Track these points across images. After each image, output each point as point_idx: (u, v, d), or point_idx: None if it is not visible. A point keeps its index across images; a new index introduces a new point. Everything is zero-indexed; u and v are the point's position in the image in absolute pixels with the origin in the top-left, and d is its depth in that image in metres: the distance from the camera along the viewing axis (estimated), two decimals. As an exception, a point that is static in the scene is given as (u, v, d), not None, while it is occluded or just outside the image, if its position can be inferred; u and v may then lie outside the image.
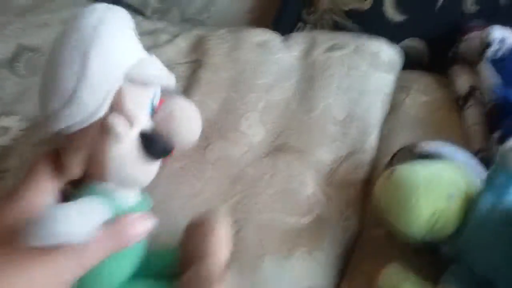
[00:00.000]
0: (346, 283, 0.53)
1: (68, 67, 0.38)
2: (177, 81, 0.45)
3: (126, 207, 0.41)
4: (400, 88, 0.72)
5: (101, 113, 0.39)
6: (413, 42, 0.77)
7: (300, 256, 0.52)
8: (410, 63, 0.75)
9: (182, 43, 0.77)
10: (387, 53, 0.72)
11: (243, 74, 0.69)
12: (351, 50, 0.71)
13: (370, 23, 0.78)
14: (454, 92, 0.70)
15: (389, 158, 0.57)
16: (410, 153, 0.54)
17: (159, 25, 0.84)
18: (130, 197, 0.42)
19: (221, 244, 0.43)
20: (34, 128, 0.65)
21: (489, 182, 0.47)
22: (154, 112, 0.42)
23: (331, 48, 0.72)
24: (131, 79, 0.40)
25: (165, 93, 0.42)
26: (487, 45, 0.66)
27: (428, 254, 0.50)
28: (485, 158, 0.59)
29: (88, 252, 0.37)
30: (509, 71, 0.64)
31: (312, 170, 0.59)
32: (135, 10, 0.95)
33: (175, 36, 0.79)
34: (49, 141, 0.58)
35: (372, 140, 0.64)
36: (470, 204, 0.47)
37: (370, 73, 0.69)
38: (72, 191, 0.41)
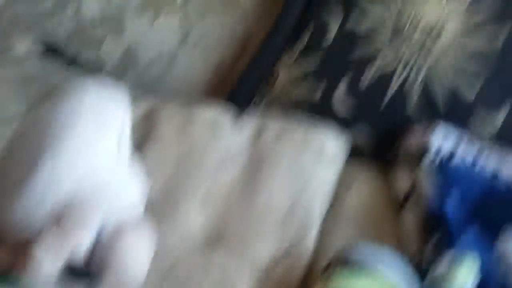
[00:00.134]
0: None
1: (19, 163, 0.36)
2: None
3: None
4: (342, 182, 0.73)
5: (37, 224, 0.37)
6: (359, 134, 0.79)
7: None
8: (355, 154, 0.77)
9: (132, 115, 0.75)
10: (332, 146, 0.73)
11: (190, 153, 0.69)
12: (298, 141, 0.72)
13: (319, 112, 0.79)
14: (394, 190, 0.72)
15: (325, 261, 0.57)
16: (345, 262, 0.54)
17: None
18: None
19: None
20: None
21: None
22: (98, 239, 0.40)
23: (279, 137, 0.73)
24: (78, 202, 0.38)
25: (120, 225, 0.40)
26: (425, 151, 0.69)
27: None
28: (420, 264, 0.60)
29: None
30: (444, 180, 0.66)
31: (247, 270, 0.58)
32: (91, 69, 0.95)
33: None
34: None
35: (311, 236, 0.64)
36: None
37: (315, 165, 0.70)
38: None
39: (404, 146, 0.73)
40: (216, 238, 0.61)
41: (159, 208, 0.61)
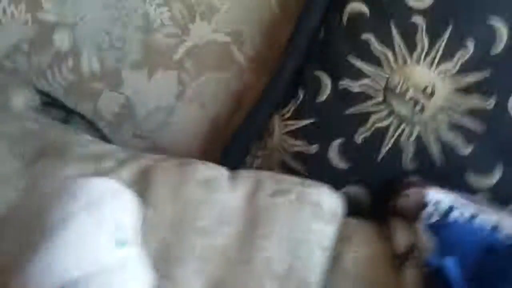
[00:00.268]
0: None
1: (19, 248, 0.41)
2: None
3: None
4: (340, 239, 0.72)
5: None
6: (356, 189, 0.79)
7: None
8: (352, 209, 0.77)
9: (125, 174, 0.75)
10: (329, 202, 0.73)
11: (184, 215, 0.68)
12: (294, 197, 0.72)
13: (315, 167, 0.80)
14: (394, 246, 0.71)
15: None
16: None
17: (107, 148, 0.83)
18: None
19: None
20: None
21: None
22: None
23: (275, 194, 0.72)
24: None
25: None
26: (423, 207, 0.68)
27: None
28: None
29: None
30: (443, 237, 0.65)
31: None
32: (88, 122, 0.95)
33: (120, 164, 0.78)
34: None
35: (311, 294, 0.63)
36: None
37: (312, 221, 0.70)
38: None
39: (401, 202, 0.73)
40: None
41: (156, 273, 0.60)
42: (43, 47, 0.91)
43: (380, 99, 0.77)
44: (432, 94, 0.76)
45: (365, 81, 0.78)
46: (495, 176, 0.75)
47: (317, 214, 0.71)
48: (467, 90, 0.76)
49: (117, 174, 0.75)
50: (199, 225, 0.67)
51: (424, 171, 0.76)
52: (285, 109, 0.82)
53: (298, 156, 0.80)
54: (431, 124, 0.76)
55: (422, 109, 0.76)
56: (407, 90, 0.77)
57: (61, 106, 0.95)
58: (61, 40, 0.91)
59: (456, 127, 0.76)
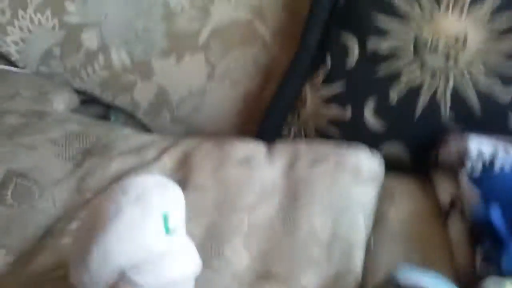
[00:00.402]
0: None
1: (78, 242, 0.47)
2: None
3: None
4: (383, 197, 0.72)
5: None
6: (394, 148, 0.78)
7: None
8: (392, 166, 0.77)
9: (168, 162, 0.77)
10: (368, 164, 0.73)
11: (226, 195, 0.70)
12: (332, 165, 0.72)
13: (351, 131, 0.79)
14: (437, 201, 0.71)
15: (375, 280, 0.57)
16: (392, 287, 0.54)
17: (147, 138, 0.86)
18: None
19: None
20: (22, 263, 0.65)
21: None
22: None
23: (313, 163, 0.73)
24: (127, 279, 0.42)
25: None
26: (465, 158, 0.68)
27: None
28: (471, 280, 0.59)
29: None
30: (488, 187, 0.65)
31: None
32: (127, 114, 0.98)
33: (162, 152, 0.80)
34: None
35: (358, 257, 0.64)
36: None
37: (352, 188, 0.70)
38: None
39: (443, 155, 0.72)
40: (265, 273, 0.62)
41: (204, 253, 0.62)
42: (74, 48, 0.93)
43: (411, 56, 0.76)
44: (465, 43, 0.74)
45: (392, 39, 0.76)
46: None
47: (356, 178, 0.71)
48: (502, 33, 0.74)
49: (160, 162, 0.78)
50: (243, 203, 0.69)
51: (463, 122, 0.74)
52: (316, 77, 0.82)
53: (333, 121, 0.80)
54: (467, 74, 0.74)
55: (456, 60, 0.74)
56: (438, 43, 0.75)
57: (99, 102, 0.98)
58: (90, 39, 0.93)
59: (493, 73, 0.74)
